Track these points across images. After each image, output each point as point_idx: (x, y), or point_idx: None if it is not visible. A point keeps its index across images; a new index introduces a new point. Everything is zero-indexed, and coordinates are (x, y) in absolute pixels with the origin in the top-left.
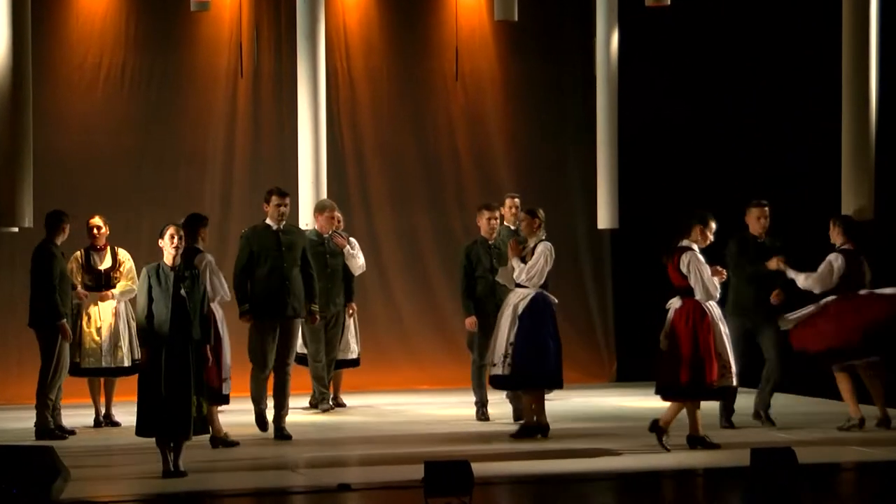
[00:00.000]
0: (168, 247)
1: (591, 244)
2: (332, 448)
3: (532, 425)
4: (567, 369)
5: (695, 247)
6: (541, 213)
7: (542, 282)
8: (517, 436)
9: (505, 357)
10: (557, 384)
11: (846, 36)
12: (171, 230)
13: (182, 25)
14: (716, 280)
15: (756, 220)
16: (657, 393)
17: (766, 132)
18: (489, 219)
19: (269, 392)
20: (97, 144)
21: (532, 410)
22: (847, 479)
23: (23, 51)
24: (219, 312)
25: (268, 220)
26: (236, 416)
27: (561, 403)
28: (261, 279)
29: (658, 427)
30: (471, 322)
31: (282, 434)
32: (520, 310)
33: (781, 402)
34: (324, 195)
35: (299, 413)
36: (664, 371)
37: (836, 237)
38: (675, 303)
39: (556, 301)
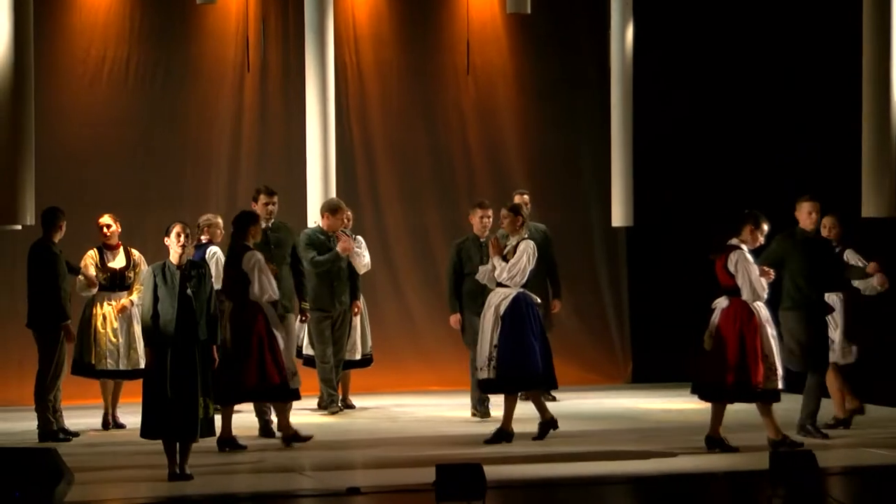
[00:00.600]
0: (174, 245)
1: (605, 242)
2: (341, 450)
3: (507, 430)
4: (581, 370)
5: (744, 246)
6: (524, 210)
7: (524, 281)
8: (490, 441)
9: (490, 360)
10: (549, 384)
11: (867, 29)
12: (177, 228)
13: (187, 18)
14: (763, 281)
15: (808, 215)
16: (694, 392)
17: (785, 127)
18: (482, 217)
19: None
20: (101, 140)
21: (510, 416)
22: (868, 483)
23: (25, 44)
24: (269, 310)
25: None
26: (238, 417)
27: (575, 405)
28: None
29: (713, 440)
30: (455, 320)
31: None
32: (502, 310)
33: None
34: (332, 191)
35: (307, 415)
36: (708, 372)
37: (835, 234)
38: (721, 302)
39: (539, 301)
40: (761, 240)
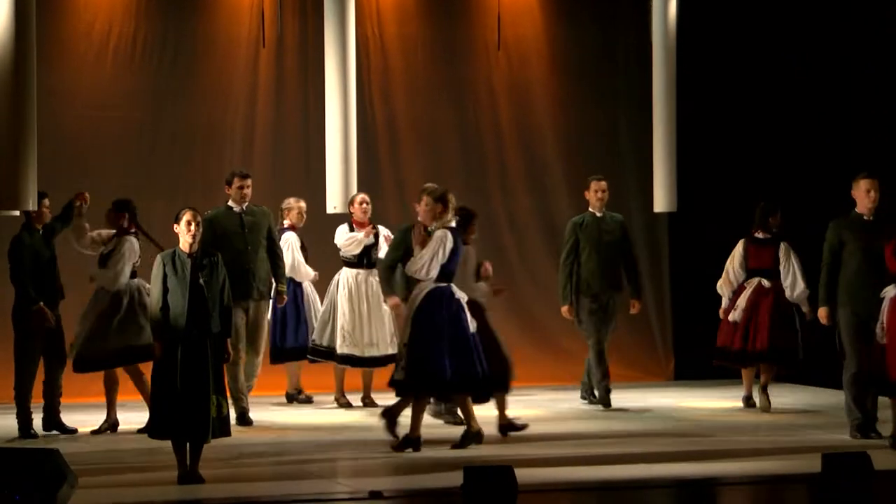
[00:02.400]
0: (184, 233)
1: (646, 229)
2: (363, 452)
3: (414, 437)
4: (621, 367)
5: None
6: (450, 197)
7: (434, 274)
8: (398, 448)
9: (400, 359)
10: (459, 391)
11: None
12: (187, 215)
13: None
14: None
15: (865, 194)
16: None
17: (839, 107)
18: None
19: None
20: (106, 121)
21: (418, 419)
22: None
23: (26, 19)
24: (464, 298)
25: (230, 203)
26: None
27: (614, 403)
28: (224, 263)
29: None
30: (393, 303)
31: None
32: (414, 307)
33: None
34: (353, 174)
35: (326, 413)
36: (877, 365)
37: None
38: (889, 291)
39: (465, 297)
40: None
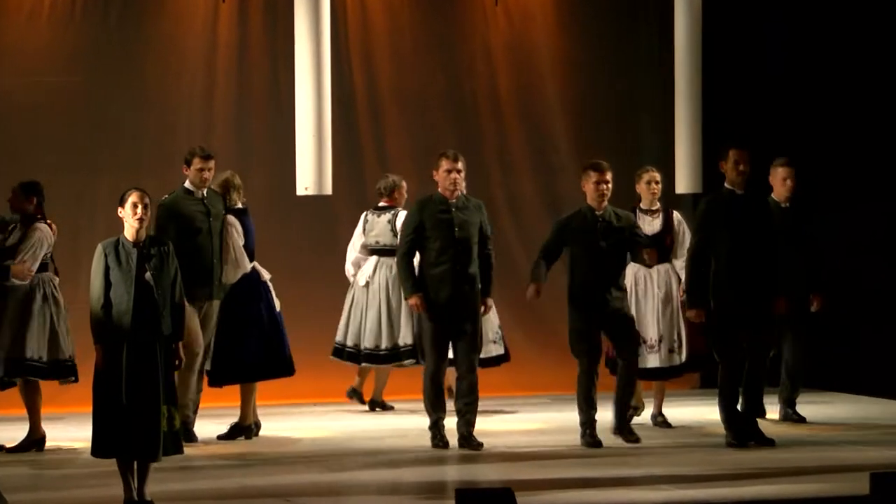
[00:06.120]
0: (130, 218)
1: None
2: (337, 470)
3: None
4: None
5: None
6: (235, 179)
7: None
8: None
9: None
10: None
11: None
12: (133, 197)
13: None
14: None
15: (782, 182)
16: None
17: (888, 71)
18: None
19: None
20: (41, 88)
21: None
22: None
23: None
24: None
25: (188, 186)
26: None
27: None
28: (185, 257)
29: None
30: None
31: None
32: None
33: None
34: (328, 149)
35: (300, 422)
36: None
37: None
38: None
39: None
40: None
